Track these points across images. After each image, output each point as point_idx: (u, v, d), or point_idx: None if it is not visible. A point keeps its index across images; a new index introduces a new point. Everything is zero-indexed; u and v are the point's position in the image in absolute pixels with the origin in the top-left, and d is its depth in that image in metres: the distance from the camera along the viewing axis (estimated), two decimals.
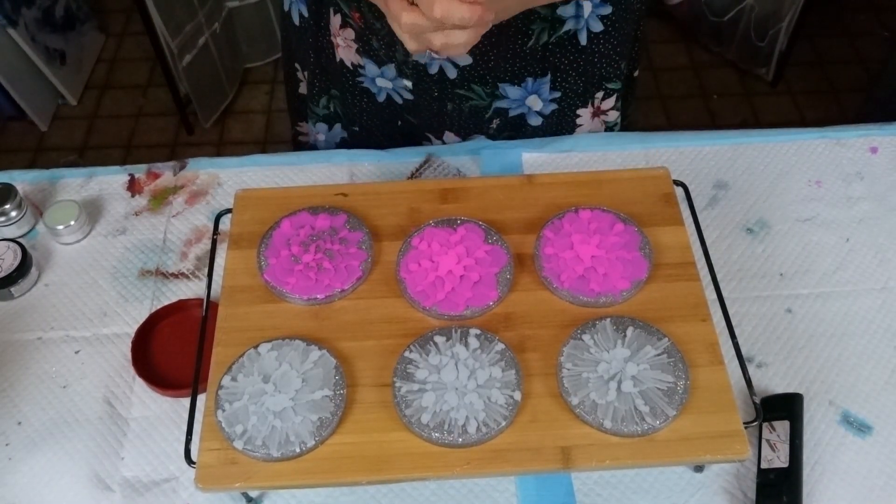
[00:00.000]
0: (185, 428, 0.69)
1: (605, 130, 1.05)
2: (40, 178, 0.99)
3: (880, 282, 0.88)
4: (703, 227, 0.82)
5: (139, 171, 0.99)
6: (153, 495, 0.75)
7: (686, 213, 0.81)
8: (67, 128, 2.21)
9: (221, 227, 0.83)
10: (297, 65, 1.07)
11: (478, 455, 0.65)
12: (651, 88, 2.27)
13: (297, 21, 0.97)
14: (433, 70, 0.91)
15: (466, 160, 0.98)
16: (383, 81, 0.95)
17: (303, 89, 1.10)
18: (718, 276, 0.78)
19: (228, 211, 0.82)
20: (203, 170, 0.99)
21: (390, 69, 0.93)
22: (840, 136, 1.01)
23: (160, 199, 0.97)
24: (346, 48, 0.93)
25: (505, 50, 0.88)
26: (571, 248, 0.76)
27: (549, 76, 0.93)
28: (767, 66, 2.24)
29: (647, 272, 0.74)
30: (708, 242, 0.80)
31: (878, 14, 2.44)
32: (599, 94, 0.99)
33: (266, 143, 2.17)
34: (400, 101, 0.97)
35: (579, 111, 0.99)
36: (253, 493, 0.74)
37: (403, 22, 0.61)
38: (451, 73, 0.91)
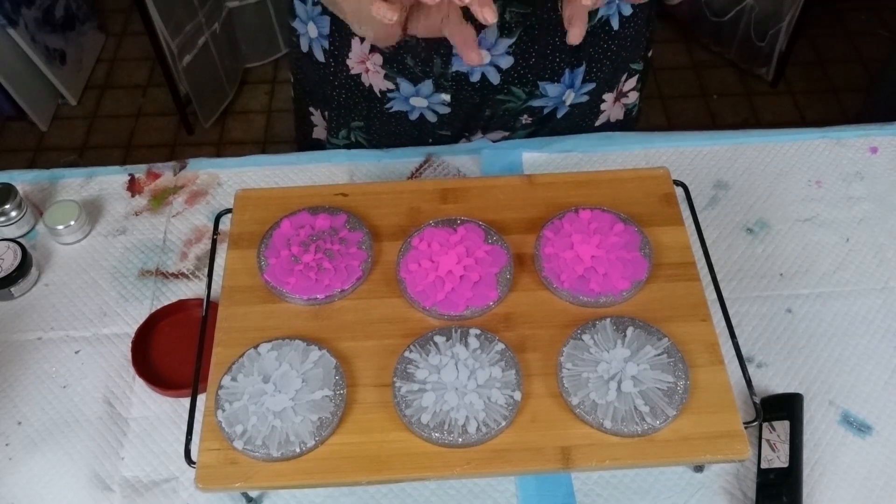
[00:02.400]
0: (185, 428, 0.69)
1: (625, 115, 1.05)
2: (40, 178, 0.99)
3: (880, 282, 0.88)
4: (703, 227, 0.81)
5: (139, 171, 0.99)
6: (153, 495, 0.75)
7: (686, 213, 0.81)
8: (67, 128, 2.21)
9: (221, 227, 0.83)
10: (311, 108, 1.06)
11: (478, 455, 0.65)
12: (651, 88, 2.27)
13: (321, 57, 0.94)
14: (475, 78, 0.90)
15: (466, 160, 0.98)
16: (418, 100, 0.94)
17: (318, 134, 1.08)
18: (718, 276, 0.78)
19: (228, 211, 0.82)
20: (203, 170, 0.99)
21: (427, 86, 0.91)
22: (840, 136, 1.01)
23: (160, 199, 0.97)
24: (374, 73, 0.92)
25: (544, 46, 0.88)
26: (571, 248, 0.76)
27: (583, 66, 0.93)
28: (767, 65, 2.24)
29: (647, 272, 0.74)
30: (708, 242, 0.80)
31: (878, 14, 2.44)
32: (624, 76, 1.00)
33: (266, 143, 2.18)
34: (434, 119, 0.96)
35: (605, 96, 1.00)
36: (253, 494, 0.74)
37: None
38: (494, 79, 0.90)
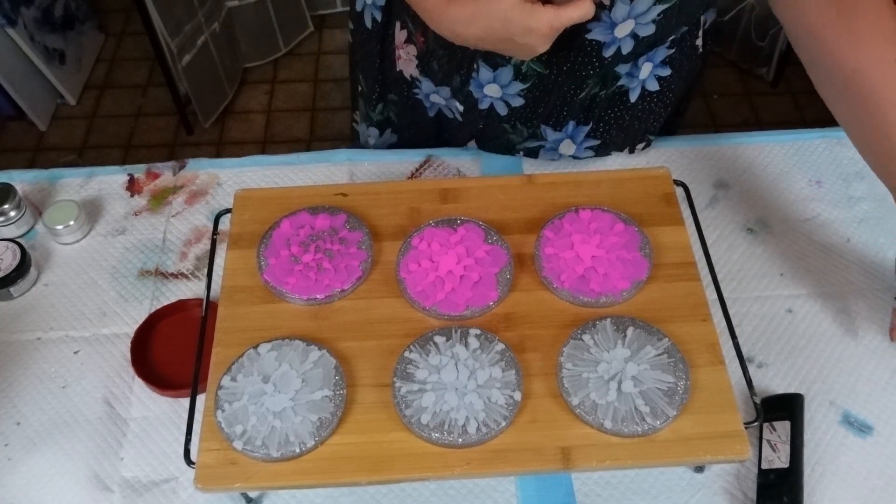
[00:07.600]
0: (184, 428, 0.69)
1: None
2: (40, 177, 0.99)
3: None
4: (703, 227, 0.81)
5: (139, 171, 0.99)
6: (153, 495, 0.75)
7: (686, 213, 0.81)
8: (67, 127, 2.21)
9: (221, 227, 0.83)
10: (358, 71, 1.04)
11: (478, 455, 0.65)
12: None
13: (369, 24, 0.94)
14: (483, 105, 0.89)
15: (466, 160, 0.98)
16: (437, 98, 0.94)
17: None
18: (718, 276, 0.78)
19: (228, 211, 0.82)
20: (203, 170, 0.99)
21: (445, 90, 0.91)
22: (840, 136, 1.01)
23: (160, 199, 0.97)
24: (407, 60, 0.92)
25: (556, 98, 0.86)
26: (571, 248, 0.76)
27: (590, 125, 0.91)
28: (768, 65, 2.24)
29: (647, 272, 0.74)
30: (708, 242, 0.80)
31: None
32: (641, 145, 0.98)
33: (266, 143, 2.17)
34: (450, 115, 0.96)
35: (612, 152, 0.98)
36: (253, 494, 0.74)
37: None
38: (502, 111, 0.89)
